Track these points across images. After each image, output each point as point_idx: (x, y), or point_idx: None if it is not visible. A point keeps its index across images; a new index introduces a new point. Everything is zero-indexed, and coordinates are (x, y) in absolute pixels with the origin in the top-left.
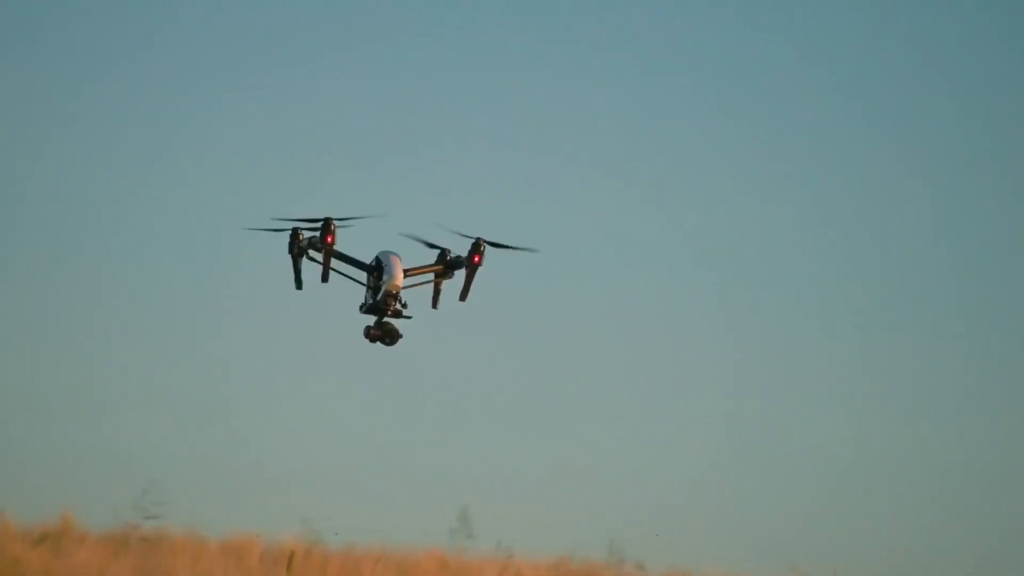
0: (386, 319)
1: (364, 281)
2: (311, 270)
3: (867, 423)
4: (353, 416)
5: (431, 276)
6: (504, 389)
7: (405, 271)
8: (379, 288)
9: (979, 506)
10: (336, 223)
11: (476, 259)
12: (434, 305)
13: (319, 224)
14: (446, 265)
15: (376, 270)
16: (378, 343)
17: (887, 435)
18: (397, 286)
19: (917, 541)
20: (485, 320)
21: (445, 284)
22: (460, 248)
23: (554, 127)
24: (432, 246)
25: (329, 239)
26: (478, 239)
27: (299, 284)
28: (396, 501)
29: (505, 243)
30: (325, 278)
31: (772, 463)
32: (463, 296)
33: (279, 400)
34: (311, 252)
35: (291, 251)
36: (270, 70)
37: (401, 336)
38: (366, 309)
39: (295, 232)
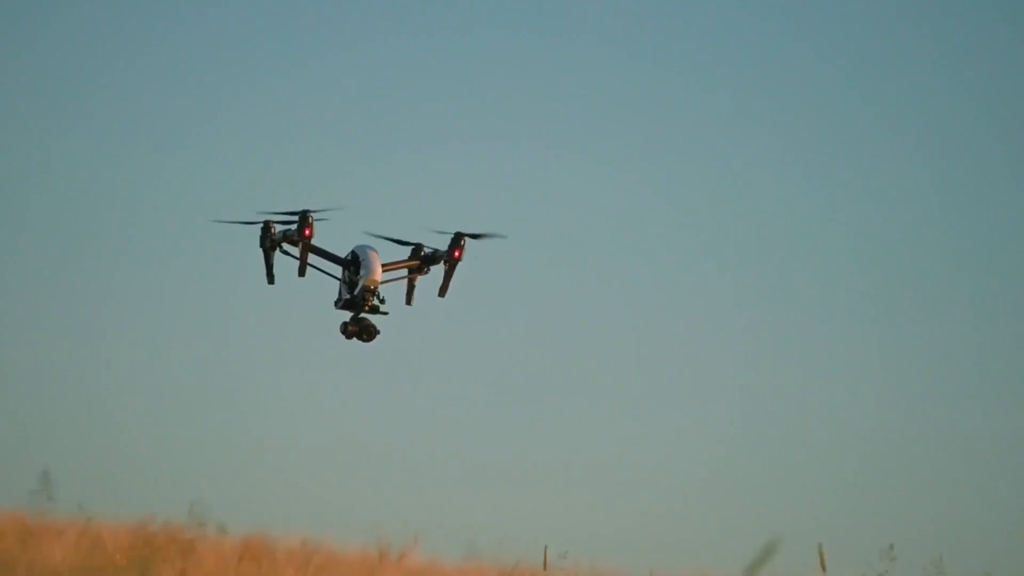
0: (363, 315)
1: (339, 275)
2: (282, 264)
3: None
4: None
5: (406, 271)
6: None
7: (382, 266)
8: (355, 283)
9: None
10: (313, 216)
11: (456, 254)
12: (408, 301)
13: (295, 217)
14: (422, 260)
15: (353, 264)
16: (355, 339)
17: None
18: (376, 281)
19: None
20: (462, 315)
21: (420, 279)
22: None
23: (533, 120)
24: (403, 243)
25: (307, 232)
26: (458, 233)
27: (271, 278)
28: None
29: (477, 232)
30: (302, 272)
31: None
32: (443, 292)
33: None
34: (285, 245)
35: (263, 245)
36: (253, 71)
37: (379, 332)
38: (342, 304)
39: (267, 225)
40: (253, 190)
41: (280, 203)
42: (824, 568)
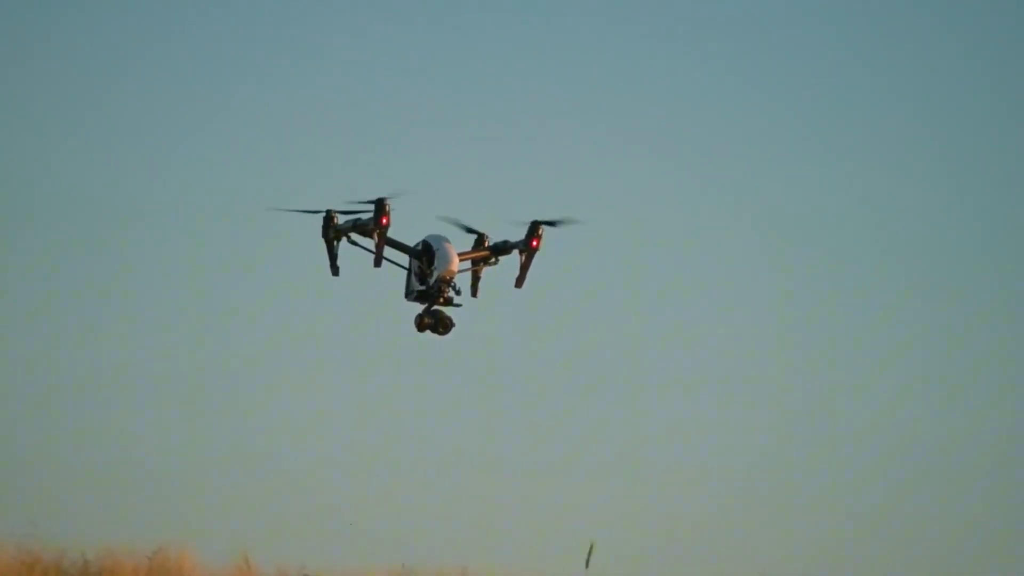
0: (436, 307)
1: (407, 266)
2: (345, 254)
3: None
4: None
5: (470, 263)
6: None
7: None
8: (428, 274)
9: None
10: (390, 203)
11: (534, 243)
12: (473, 293)
13: (367, 205)
14: (492, 250)
15: (425, 255)
16: (427, 331)
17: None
18: (453, 272)
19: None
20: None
21: (485, 271)
22: (501, 233)
23: (600, 107)
24: (470, 231)
25: (384, 221)
26: (535, 222)
27: (335, 270)
28: None
29: (552, 219)
30: (378, 263)
31: None
32: (519, 282)
33: None
34: (353, 235)
35: (325, 235)
36: (282, 61)
37: (454, 324)
38: (414, 296)
39: (329, 215)
40: (258, 188)
41: (301, 197)
42: None
